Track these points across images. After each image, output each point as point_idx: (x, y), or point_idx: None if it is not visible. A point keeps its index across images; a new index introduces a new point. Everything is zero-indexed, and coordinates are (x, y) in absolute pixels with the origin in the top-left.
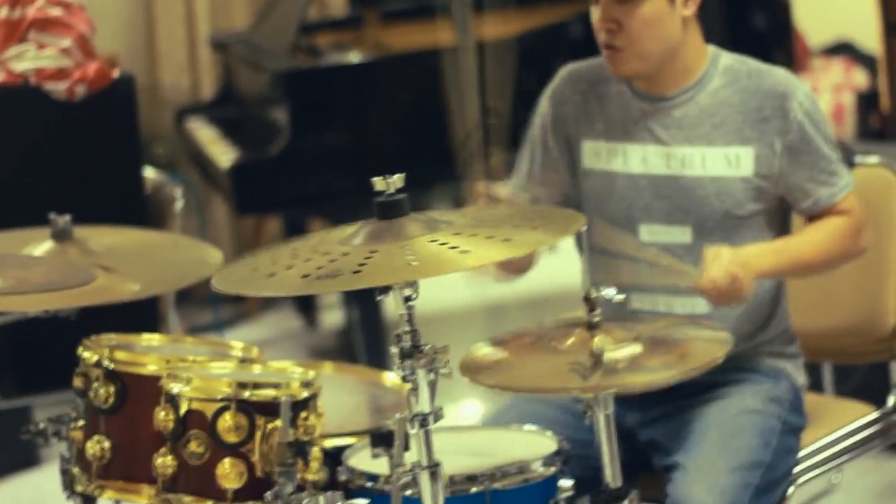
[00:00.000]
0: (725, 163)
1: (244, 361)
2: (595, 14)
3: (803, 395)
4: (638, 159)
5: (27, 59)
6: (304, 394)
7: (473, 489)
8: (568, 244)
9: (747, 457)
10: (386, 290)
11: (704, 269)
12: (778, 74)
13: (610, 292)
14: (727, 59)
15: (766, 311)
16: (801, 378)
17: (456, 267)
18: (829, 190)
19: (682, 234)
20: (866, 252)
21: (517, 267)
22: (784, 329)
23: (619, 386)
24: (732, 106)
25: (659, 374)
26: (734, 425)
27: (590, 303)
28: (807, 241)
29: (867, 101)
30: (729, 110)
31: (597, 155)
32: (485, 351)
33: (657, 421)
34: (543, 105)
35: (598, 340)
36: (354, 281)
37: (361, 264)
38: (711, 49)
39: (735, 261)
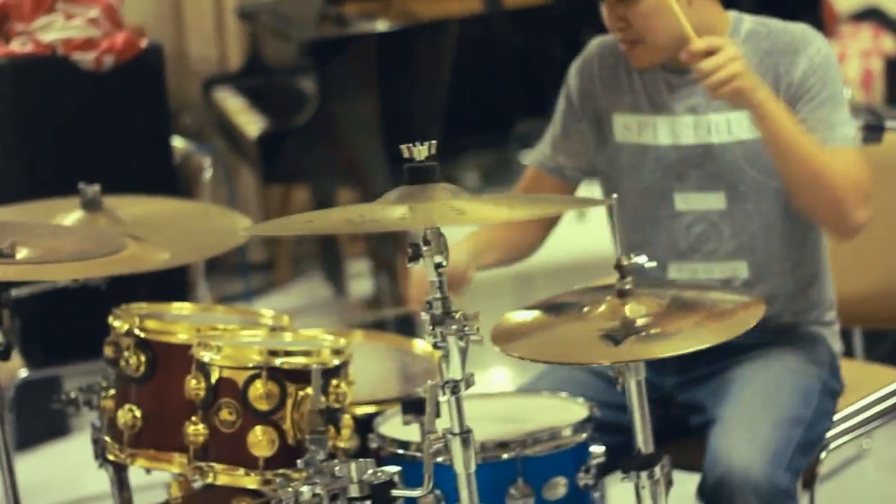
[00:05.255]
0: (750, 125)
1: (275, 330)
2: (604, 12)
3: (839, 362)
4: (667, 131)
5: (55, 30)
6: (335, 361)
7: (505, 456)
8: (597, 214)
9: (789, 412)
10: (417, 257)
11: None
12: (794, 31)
13: (641, 259)
14: (749, 23)
15: (805, 278)
16: (836, 345)
17: (499, 216)
18: (819, 137)
19: (716, 201)
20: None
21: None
22: (825, 299)
23: (649, 354)
24: (753, 68)
25: (691, 342)
26: (775, 382)
27: (622, 270)
28: (813, 145)
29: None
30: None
31: (627, 128)
32: (515, 319)
33: (695, 383)
34: (572, 77)
35: (630, 308)
36: (401, 223)
37: (404, 213)
38: (733, 15)
39: (739, 59)
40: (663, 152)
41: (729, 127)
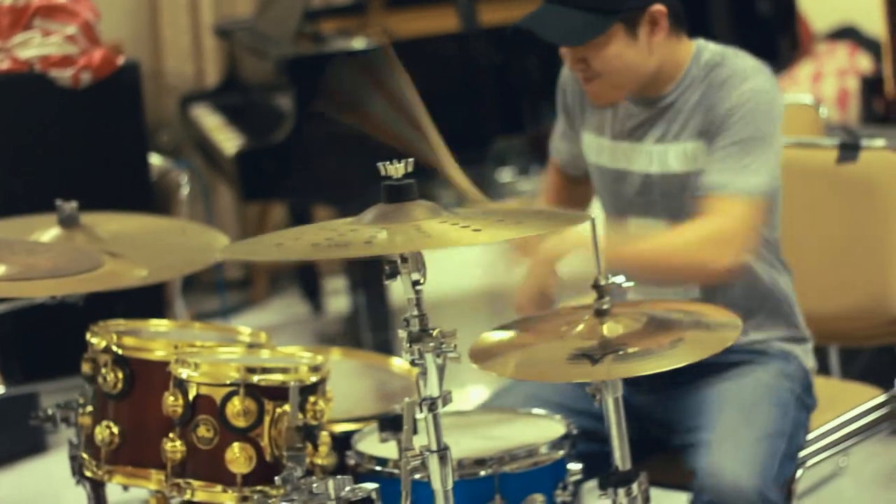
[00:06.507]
0: (685, 158)
1: (252, 347)
2: (564, 53)
3: (812, 378)
4: (621, 155)
5: (32, 47)
6: (313, 378)
7: (482, 473)
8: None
9: (770, 426)
10: (394, 274)
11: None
12: (736, 66)
13: (619, 279)
14: (709, 53)
15: (758, 299)
16: (810, 361)
17: (468, 241)
18: (716, 180)
19: (659, 229)
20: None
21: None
22: (790, 320)
23: (627, 373)
24: (697, 103)
25: (668, 360)
26: (752, 398)
27: (599, 290)
28: (655, 241)
29: (871, 86)
30: (693, 107)
31: (589, 148)
32: (493, 338)
33: (668, 401)
34: (559, 86)
35: (608, 327)
36: (365, 249)
37: (371, 236)
38: (698, 44)
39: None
40: (617, 175)
41: (666, 158)
